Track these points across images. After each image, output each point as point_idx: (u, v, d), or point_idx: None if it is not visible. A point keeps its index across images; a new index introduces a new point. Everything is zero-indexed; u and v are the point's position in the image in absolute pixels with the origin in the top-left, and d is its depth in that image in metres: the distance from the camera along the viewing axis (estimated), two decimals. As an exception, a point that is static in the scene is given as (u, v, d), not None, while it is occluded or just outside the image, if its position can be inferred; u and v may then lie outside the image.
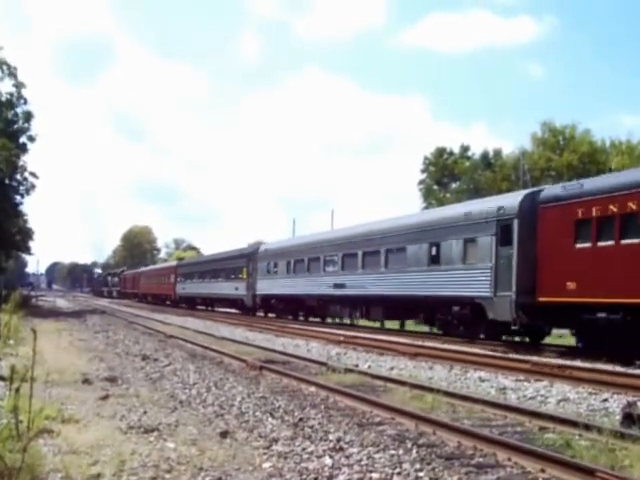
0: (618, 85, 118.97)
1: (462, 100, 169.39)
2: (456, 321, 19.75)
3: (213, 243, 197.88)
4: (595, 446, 6.44)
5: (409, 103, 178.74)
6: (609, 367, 12.41)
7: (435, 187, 63.08)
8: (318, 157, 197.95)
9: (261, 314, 35.66)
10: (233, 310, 39.91)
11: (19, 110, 39.30)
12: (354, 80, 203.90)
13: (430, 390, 9.64)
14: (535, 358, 13.63)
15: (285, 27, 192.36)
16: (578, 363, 13.09)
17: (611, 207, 14.73)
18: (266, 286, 33.93)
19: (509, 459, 6.03)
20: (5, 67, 37.53)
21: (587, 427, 7.05)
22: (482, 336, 18.89)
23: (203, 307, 45.64)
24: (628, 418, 7.31)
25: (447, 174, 61.71)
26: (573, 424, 7.28)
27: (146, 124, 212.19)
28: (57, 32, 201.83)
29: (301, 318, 31.01)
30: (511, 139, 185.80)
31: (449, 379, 11.71)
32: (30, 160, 43.77)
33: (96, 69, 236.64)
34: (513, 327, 17.33)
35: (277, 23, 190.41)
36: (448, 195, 59.65)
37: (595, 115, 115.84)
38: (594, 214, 15.13)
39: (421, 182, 63.42)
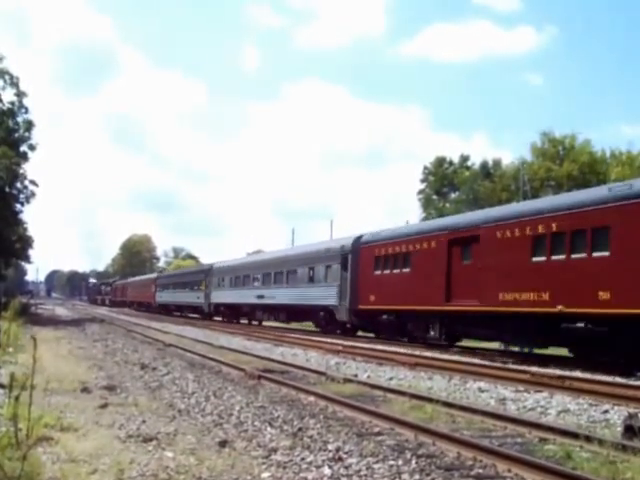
0: (618, 95, 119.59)
1: (462, 110, 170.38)
2: (323, 322, 28.42)
3: (212, 252, 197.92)
4: (596, 458, 6.41)
5: (409, 113, 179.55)
6: (609, 378, 12.39)
7: (434, 197, 63.17)
8: (318, 167, 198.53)
9: (218, 318, 42.63)
10: (196, 315, 47.57)
11: (20, 119, 39.44)
12: (353, 90, 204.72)
13: (429, 400, 9.62)
14: (535, 369, 13.60)
15: (285, 37, 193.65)
16: (578, 374, 13.07)
17: (389, 249, 23.55)
18: (217, 296, 42.25)
19: (509, 470, 6.00)
20: (7, 77, 37.70)
21: (588, 439, 7.02)
22: (338, 331, 26.90)
23: (178, 313, 52.43)
24: (629, 430, 7.28)
25: (447, 184, 61.81)
26: (574, 435, 7.24)
27: (146, 134, 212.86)
28: (58, 42, 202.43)
29: (244, 321, 38.97)
30: (511, 149, 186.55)
31: (448, 389, 11.68)
32: (30, 168, 43.91)
33: (96, 79, 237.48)
34: (347, 325, 26.71)
35: (277, 33, 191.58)
36: (447, 205, 59.74)
37: (595, 125, 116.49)
38: (382, 253, 23.93)
39: (420, 192, 63.54)
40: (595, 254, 15.18)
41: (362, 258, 25.15)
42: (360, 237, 26.05)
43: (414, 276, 21.81)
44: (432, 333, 20.95)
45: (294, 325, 34.61)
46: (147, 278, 68.96)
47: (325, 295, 27.34)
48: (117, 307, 75.27)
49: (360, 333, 27.07)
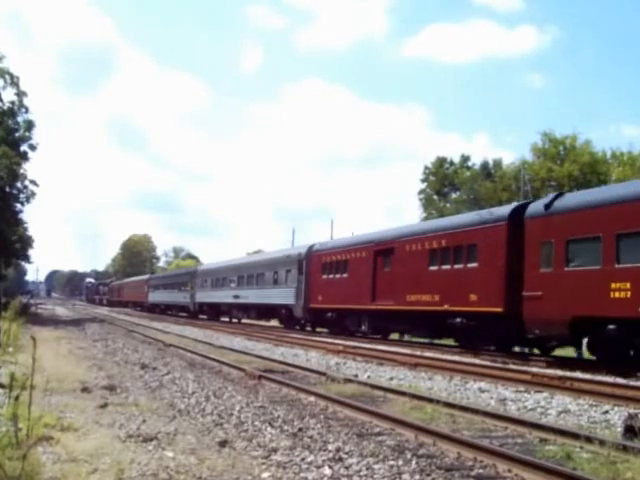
0: (619, 95, 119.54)
1: (464, 111, 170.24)
2: (285, 318, 33.08)
3: (212, 252, 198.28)
4: (596, 458, 6.41)
5: (410, 113, 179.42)
6: (610, 379, 12.38)
7: (435, 197, 63.15)
8: (318, 167, 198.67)
9: (203, 316, 46.32)
10: (184, 313, 51.03)
11: (20, 119, 39.43)
12: (354, 90, 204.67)
13: (430, 401, 9.61)
14: (535, 369, 13.61)
15: (286, 38, 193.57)
16: (578, 374, 13.06)
17: (333, 257, 28.15)
18: (201, 296, 46.66)
19: (509, 470, 5.99)
20: (8, 76, 37.65)
21: (588, 439, 7.01)
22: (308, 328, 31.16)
23: (170, 312, 55.34)
24: (629, 430, 7.27)
25: (447, 184, 61.81)
26: (574, 436, 7.23)
27: (146, 134, 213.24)
28: (58, 42, 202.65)
29: (225, 318, 42.69)
30: (513, 150, 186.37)
31: (449, 390, 11.68)
32: (30, 168, 43.87)
33: (97, 79, 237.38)
34: (302, 322, 31.53)
35: (278, 34, 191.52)
36: (448, 205, 59.73)
37: (596, 125, 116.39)
38: (327, 260, 28.48)
39: (421, 192, 63.53)
40: (469, 265, 19.38)
41: (313, 264, 29.78)
42: (312, 246, 30.71)
43: (350, 280, 26.27)
44: (363, 327, 25.45)
45: (268, 322, 38.38)
46: (140, 279, 73.00)
47: (285, 295, 31.75)
48: (113, 306, 78.02)
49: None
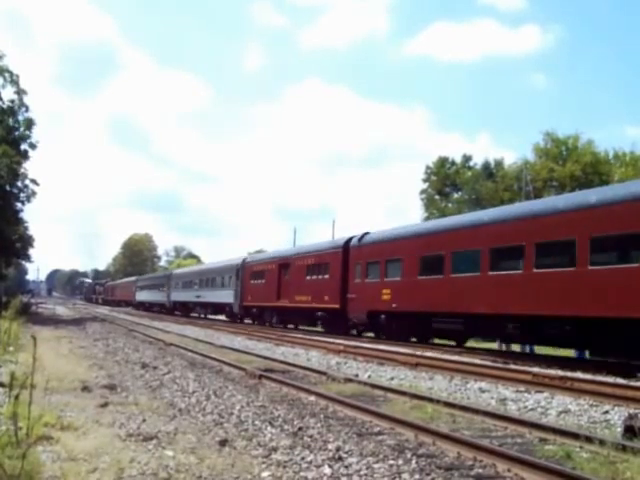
0: (622, 96, 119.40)
1: (466, 110, 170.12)
2: (228, 314, 41.98)
3: (214, 251, 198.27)
4: (596, 458, 6.41)
5: (412, 113, 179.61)
6: (610, 379, 12.36)
7: (437, 197, 63.07)
8: (320, 166, 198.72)
9: (178, 313, 53.16)
10: (164, 310, 57.27)
11: (20, 117, 39.33)
12: (356, 90, 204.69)
13: (430, 400, 9.61)
14: (536, 369, 13.59)
15: (287, 37, 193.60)
16: (579, 375, 13.04)
17: (255, 268, 37.14)
18: (175, 296, 54.92)
19: (509, 470, 6.00)
20: (7, 74, 37.60)
21: (588, 439, 7.01)
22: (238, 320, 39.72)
23: (154, 309, 62.20)
24: (629, 430, 7.28)
25: (449, 184, 61.73)
26: (574, 436, 7.24)
27: (147, 133, 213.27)
28: (60, 41, 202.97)
29: (194, 314, 49.93)
30: (515, 150, 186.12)
31: (449, 389, 11.68)
32: (31, 167, 43.82)
33: (97, 78, 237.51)
34: (238, 316, 39.61)
35: (279, 33, 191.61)
36: (450, 205, 59.66)
37: (599, 126, 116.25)
38: (253, 270, 37.24)
39: (423, 192, 63.45)
40: (325, 276, 28.47)
41: (245, 273, 38.37)
42: (245, 259, 40.32)
43: (265, 285, 34.94)
44: (274, 320, 34.36)
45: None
46: (129, 280, 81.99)
47: (228, 296, 40.34)
48: (108, 305, 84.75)
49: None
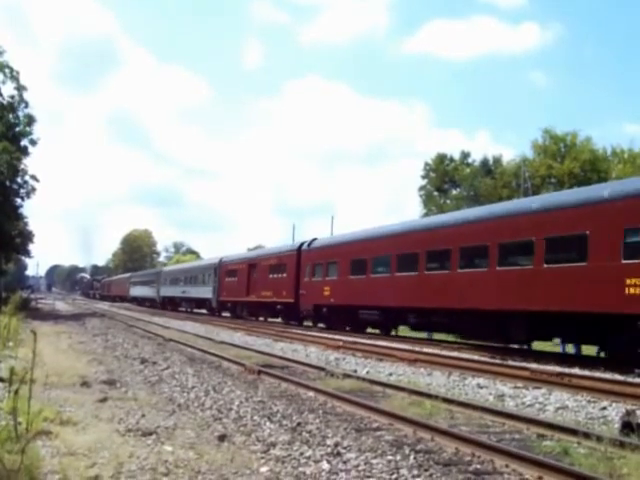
0: (621, 93, 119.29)
1: (465, 107, 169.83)
2: (208, 308, 45.99)
3: (213, 247, 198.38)
4: (593, 454, 6.42)
5: (411, 110, 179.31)
6: (608, 375, 12.40)
7: (435, 193, 63.07)
8: (319, 163, 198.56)
9: (168, 307, 56.62)
10: (155, 305, 60.54)
11: (20, 113, 39.23)
12: (355, 87, 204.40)
13: (428, 396, 9.62)
14: (534, 365, 13.63)
15: (287, 34, 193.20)
16: (577, 371, 13.08)
17: (230, 267, 41.70)
18: (164, 291, 58.82)
19: (507, 466, 6.02)
20: (7, 70, 37.50)
21: (586, 435, 7.02)
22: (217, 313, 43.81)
23: (147, 304, 65.39)
24: (627, 426, 7.29)
25: (448, 180, 61.72)
26: (571, 432, 7.25)
27: (147, 129, 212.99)
28: (59, 37, 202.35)
29: (182, 308, 54.17)
30: (514, 147, 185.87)
31: (448, 385, 11.70)
32: (31, 163, 43.72)
33: (98, 74, 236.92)
34: (215, 310, 43.81)
35: (279, 30, 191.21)
36: (448, 202, 59.65)
37: (597, 123, 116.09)
38: (228, 269, 41.83)
39: (422, 188, 63.45)
40: (283, 275, 33.08)
41: (221, 271, 42.85)
42: (222, 258, 44.01)
43: (237, 282, 39.55)
44: (244, 313, 38.75)
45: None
46: (124, 277, 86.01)
47: (208, 291, 44.75)
48: (105, 300, 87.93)
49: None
